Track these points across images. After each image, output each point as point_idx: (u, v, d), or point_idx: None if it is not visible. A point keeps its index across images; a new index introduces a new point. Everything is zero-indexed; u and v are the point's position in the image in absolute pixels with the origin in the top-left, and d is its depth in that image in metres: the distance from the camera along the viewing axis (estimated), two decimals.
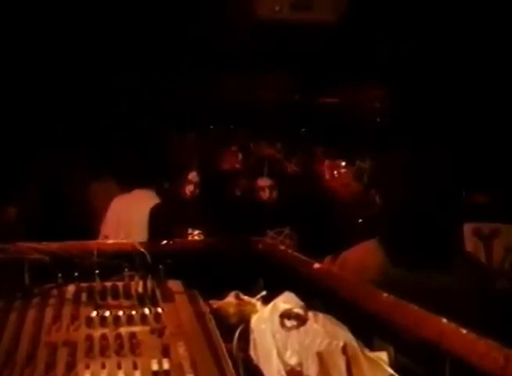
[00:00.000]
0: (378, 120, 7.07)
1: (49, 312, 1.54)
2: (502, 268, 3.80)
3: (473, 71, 6.25)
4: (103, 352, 1.32)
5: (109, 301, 1.61)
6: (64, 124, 6.75)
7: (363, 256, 2.30)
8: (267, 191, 4.63)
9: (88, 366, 1.25)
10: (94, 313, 1.52)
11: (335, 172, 5.07)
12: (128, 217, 4.60)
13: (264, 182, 4.67)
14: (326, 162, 5.21)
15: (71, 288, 1.70)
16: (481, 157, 5.58)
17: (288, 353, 1.42)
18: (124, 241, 1.98)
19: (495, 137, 5.88)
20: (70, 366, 1.26)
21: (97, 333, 1.41)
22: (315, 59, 6.69)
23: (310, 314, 1.49)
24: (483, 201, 4.41)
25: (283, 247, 2.12)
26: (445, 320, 1.29)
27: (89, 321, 1.48)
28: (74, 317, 1.50)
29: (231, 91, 7.49)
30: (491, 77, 6.24)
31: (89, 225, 4.98)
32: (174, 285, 1.75)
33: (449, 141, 5.72)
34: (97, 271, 1.73)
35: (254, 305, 1.71)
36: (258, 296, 1.76)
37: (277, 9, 5.40)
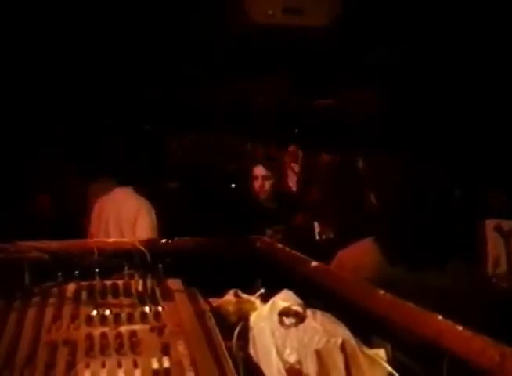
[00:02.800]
0: (374, 120, 7.07)
1: (49, 311, 1.55)
2: None
3: (476, 71, 6.25)
4: (103, 350, 1.32)
5: (110, 299, 1.62)
6: (64, 123, 6.75)
7: (360, 255, 2.31)
8: (260, 180, 4.60)
9: (88, 365, 1.26)
10: (94, 312, 1.52)
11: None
12: (107, 215, 4.76)
13: (259, 171, 4.65)
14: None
15: (71, 287, 1.70)
16: (500, 157, 5.61)
17: (287, 351, 1.43)
18: (125, 240, 1.98)
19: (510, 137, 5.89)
20: (71, 365, 1.26)
21: (97, 331, 1.42)
22: (311, 60, 6.69)
23: (308, 312, 1.50)
24: (504, 200, 4.50)
25: (281, 246, 2.13)
26: (441, 318, 1.30)
27: (89, 320, 1.49)
28: (74, 316, 1.51)
29: (228, 92, 7.49)
30: (492, 79, 6.24)
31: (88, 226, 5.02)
32: (174, 283, 1.76)
33: (461, 141, 5.74)
34: (97, 270, 1.74)
35: (253, 303, 1.72)
36: (257, 294, 1.76)
37: (270, 13, 5.42)
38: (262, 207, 4.61)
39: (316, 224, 4.29)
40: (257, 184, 4.64)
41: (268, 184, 4.62)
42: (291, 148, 5.98)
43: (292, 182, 4.75)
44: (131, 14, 5.89)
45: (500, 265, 3.87)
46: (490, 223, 3.98)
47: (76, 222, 5.32)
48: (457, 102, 6.51)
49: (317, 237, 4.26)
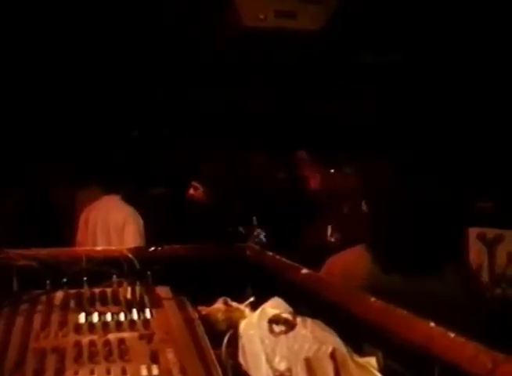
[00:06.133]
0: (366, 125, 7.07)
1: (38, 319, 1.54)
2: (505, 273, 3.87)
3: (472, 74, 6.26)
4: (92, 358, 1.32)
5: (98, 307, 1.61)
6: (52, 131, 6.73)
7: (350, 263, 2.29)
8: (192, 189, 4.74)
9: (76, 373, 1.25)
10: (82, 320, 1.52)
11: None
12: (94, 223, 4.85)
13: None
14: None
15: (59, 295, 1.69)
16: (486, 164, 5.62)
17: (277, 359, 1.42)
18: (113, 248, 1.98)
19: (500, 144, 5.90)
20: (59, 372, 1.25)
21: (86, 339, 1.41)
22: (303, 66, 6.70)
23: (298, 319, 1.50)
24: (488, 207, 4.49)
25: (271, 253, 2.12)
26: (433, 324, 1.30)
27: (78, 327, 1.48)
28: (63, 324, 1.50)
29: (218, 98, 7.47)
30: (490, 81, 6.26)
31: (75, 233, 5.03)
32: (163, 291, 1.75)
33: (452, 147, 5.75)
34: (85, 277, 1.73)
35: (242, 311, 1.72)
36: (247, 302, 1.76)
37: (261, 17, 5.42)
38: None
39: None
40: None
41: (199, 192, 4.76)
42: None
43: None
44: (128, 18, 5.88)
45: (482, 275, 3.87)
46: (473, 231, 3.98)
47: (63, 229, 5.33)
48: (451, 106, 6.53)
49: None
